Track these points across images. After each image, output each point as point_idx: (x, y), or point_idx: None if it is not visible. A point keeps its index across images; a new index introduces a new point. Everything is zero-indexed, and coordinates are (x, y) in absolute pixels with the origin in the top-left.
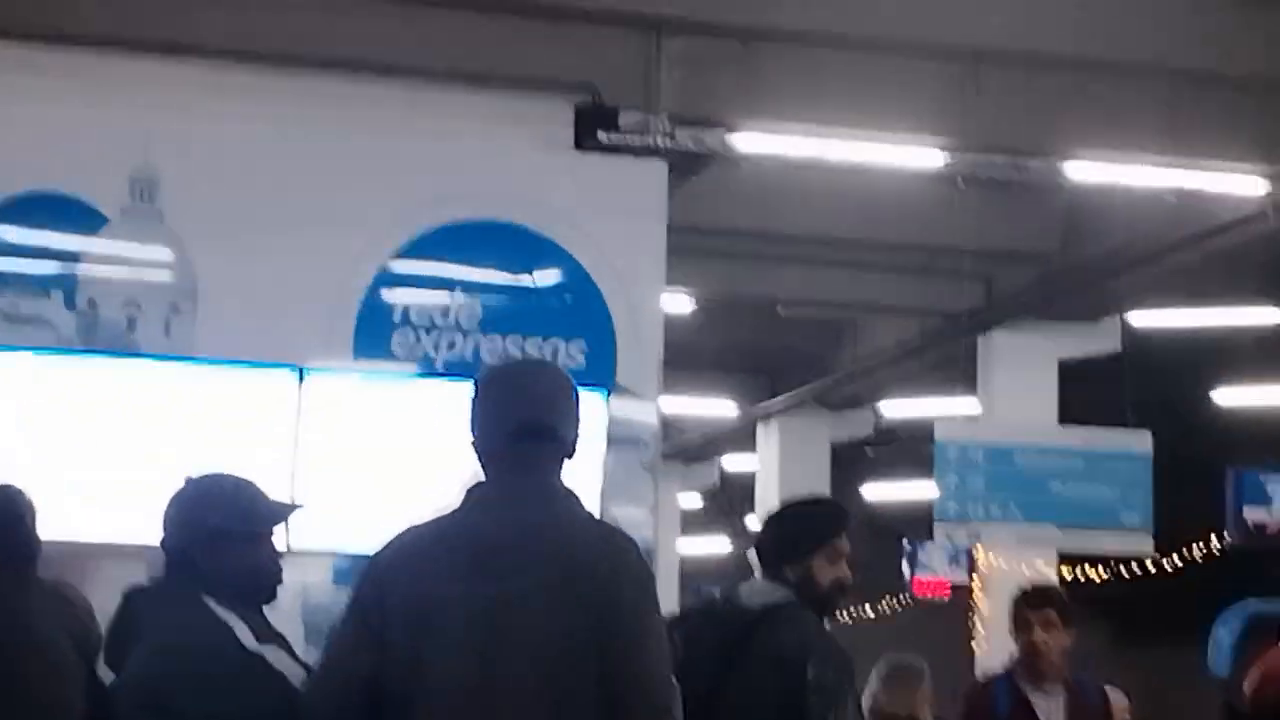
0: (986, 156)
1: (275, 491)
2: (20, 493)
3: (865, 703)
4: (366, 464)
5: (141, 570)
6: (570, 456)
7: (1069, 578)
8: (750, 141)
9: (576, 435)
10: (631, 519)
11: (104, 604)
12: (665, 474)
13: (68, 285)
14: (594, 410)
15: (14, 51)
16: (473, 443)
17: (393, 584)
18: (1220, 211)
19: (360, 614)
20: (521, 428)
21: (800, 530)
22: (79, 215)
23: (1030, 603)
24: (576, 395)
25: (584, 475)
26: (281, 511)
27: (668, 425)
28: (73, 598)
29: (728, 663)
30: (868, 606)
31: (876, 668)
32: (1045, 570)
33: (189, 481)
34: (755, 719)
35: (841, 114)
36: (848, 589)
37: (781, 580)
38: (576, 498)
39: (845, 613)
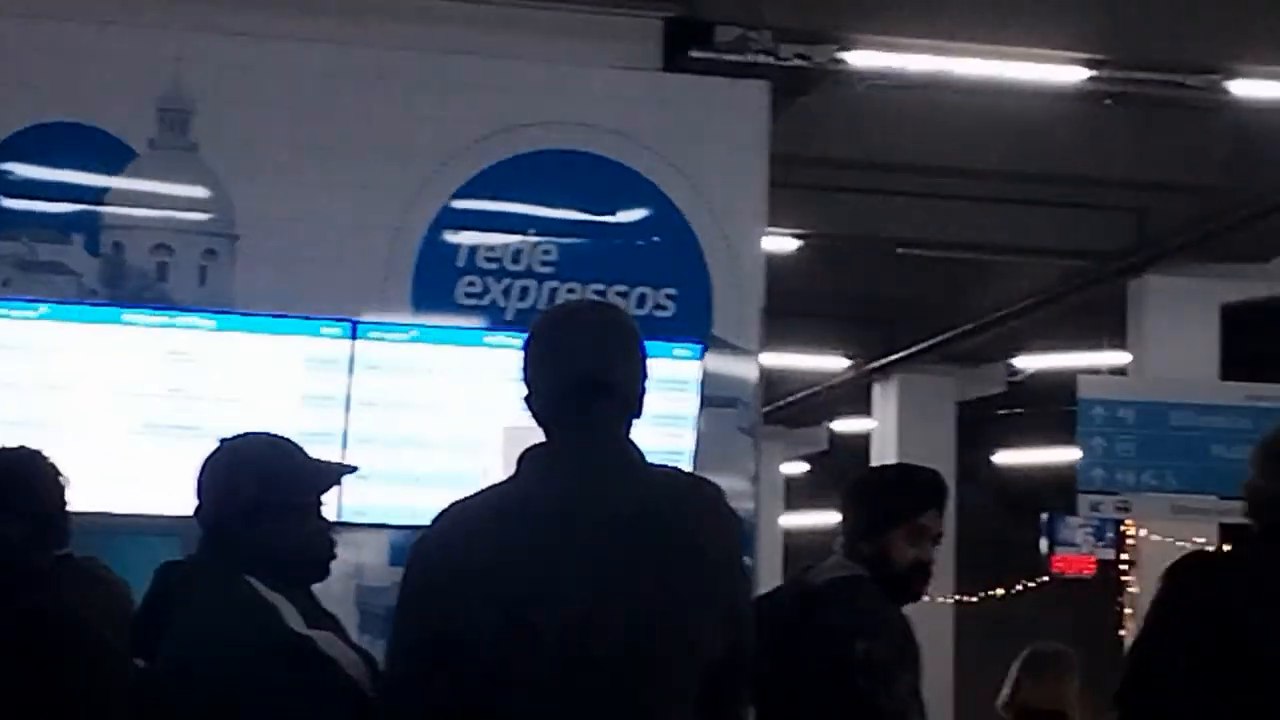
0: (1137, 72)
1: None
2: (47, 459)
3: (1006, 694)
4: (427, 428)
5: (175, 545)
6: (638, 415)
7: None
8: (865, 58)
9: (643, 390)
10: (729, 490)
11: (135, 583)
12: (767, 439)
13: (90, 228)
14: (686, 367)
15: None
16: (525, 399)
17: (458, 576)
18: None
19: (422, 616)
20: (577, 384)
21: (879, 504)
22: (101, 148)
23: None
24: (641, 343)
25: (675, 441)
26: (330, 474)
27: (770, 383)
28: (108, 578)
29: (785, 644)
30: (998, 587)
31: (1020, 656)
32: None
33: (223, 444)
34: (805, 698)
35: (969, 25)
36: (929, 572)
37: (856, 556)
38: (644, 456)
39: (974, 594)
